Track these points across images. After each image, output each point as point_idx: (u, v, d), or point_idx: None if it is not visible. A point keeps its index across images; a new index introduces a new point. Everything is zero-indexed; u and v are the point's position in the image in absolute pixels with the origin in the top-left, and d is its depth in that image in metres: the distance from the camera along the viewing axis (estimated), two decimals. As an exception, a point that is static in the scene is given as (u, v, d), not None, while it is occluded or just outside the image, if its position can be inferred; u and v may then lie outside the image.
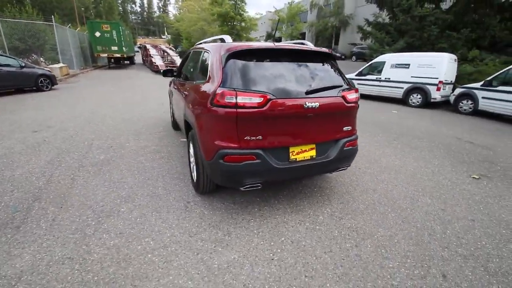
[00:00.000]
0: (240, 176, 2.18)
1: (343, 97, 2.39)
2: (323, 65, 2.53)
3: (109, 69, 20.05)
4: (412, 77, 8.93)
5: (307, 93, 2.23)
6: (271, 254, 2.05)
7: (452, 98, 8.51)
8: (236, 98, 2.01)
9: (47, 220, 2.37)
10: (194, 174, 2.80)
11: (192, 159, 3.00)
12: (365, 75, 10.10)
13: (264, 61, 2.28)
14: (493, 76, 7.38)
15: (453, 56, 8.75)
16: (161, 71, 4.30)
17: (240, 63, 2.21)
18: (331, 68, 2.58)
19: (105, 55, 19.72)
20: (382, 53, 10.46)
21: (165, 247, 2.08)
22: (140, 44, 36.71)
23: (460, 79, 9.23)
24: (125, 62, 23.15)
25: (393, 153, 4.36)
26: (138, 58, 27.54)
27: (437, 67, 8.45)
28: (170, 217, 2.46)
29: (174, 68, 4.58)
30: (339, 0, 29.22)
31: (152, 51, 21.76)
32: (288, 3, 28.03)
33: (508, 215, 2.69)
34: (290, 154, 2.30)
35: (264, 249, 2.10)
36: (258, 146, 2.15)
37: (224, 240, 2.19)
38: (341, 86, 2.45)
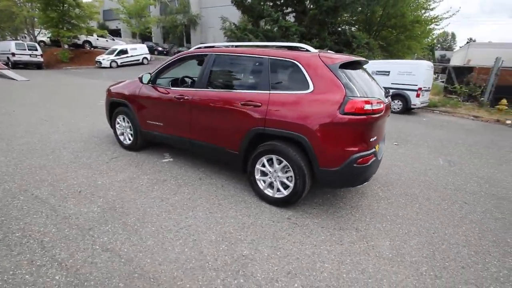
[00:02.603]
0: (369, 174, 2.44)
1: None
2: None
3: None
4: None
5: (386, 95, 2.76)
6: (402, 229, 2.51)
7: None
8: (371, 105, 2.23)
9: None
10: (280, 188, 2.65)
11: (258, 176, 2.76)
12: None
13: (353, 70, 2.57)
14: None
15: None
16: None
17: (346, 72, 2.39)
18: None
19: None
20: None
21: (343, 263, 2.03)
22: None
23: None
24: None
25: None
26: None
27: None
28: (299, 237, 2.29)
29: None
30: (184, -1, 29.48)
31: None
32: (133, -6, 25.06)
33: (437, 161, 4.50)
34: (376, 148, 2.77)
35: (390, 230, 2.51)
36: (374, 145, 2.48)
37: (363, 235, 2.39)
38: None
